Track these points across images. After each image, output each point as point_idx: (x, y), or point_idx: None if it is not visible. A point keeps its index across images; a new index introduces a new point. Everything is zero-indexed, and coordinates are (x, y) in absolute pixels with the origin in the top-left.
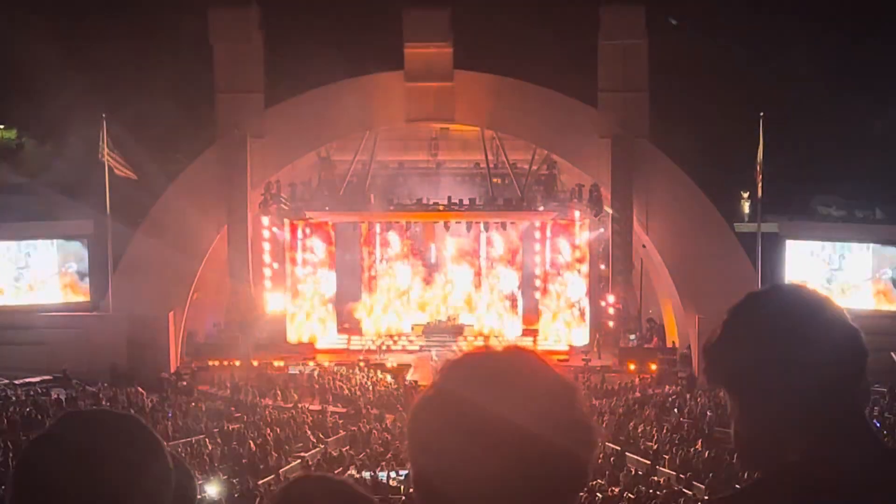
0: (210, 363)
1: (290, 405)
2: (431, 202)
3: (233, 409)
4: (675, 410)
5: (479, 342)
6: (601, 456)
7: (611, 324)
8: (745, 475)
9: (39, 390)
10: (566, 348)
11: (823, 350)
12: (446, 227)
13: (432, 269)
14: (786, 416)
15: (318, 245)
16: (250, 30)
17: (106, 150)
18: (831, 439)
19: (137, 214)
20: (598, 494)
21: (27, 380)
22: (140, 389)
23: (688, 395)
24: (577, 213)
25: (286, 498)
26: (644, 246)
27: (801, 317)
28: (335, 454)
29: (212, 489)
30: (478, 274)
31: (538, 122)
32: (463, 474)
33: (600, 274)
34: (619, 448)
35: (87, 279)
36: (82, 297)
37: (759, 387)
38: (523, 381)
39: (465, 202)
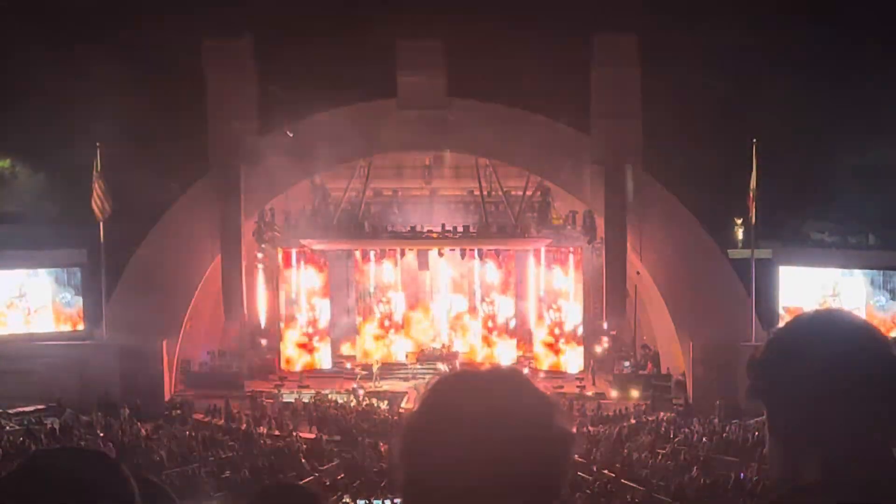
0: (204, 392)
1: (285, 433)
2: (425, 230)
3: (227, 437)
4: (671, 437)
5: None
6: (596, 483)
7: (605, 350)
8: (744, 501)
9: (33, 420)
10: (561, 375)
11: (853, 375)
12: (440, 254)
13: (426, 297)
14: (805, 435)
15: (312, 273)
16: (244, 59)
17: (95, 181)
18: (847, 464)
19: (131, 243)
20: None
21: (21, 409)
22: (131, 417)
23: (683, 422)
24: (571, 241)
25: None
26: (638, 272)
27: (837, 341)
28: (329, 482)
29: None
30: (472, 301)
31: (531, 150)
32: (449, 488)
33: (594, 301)
34: (614, 475)
35: (80, 308)
36: (76, 326)
37: (784, 402)
38: (505, 399)
39: (459, 230)
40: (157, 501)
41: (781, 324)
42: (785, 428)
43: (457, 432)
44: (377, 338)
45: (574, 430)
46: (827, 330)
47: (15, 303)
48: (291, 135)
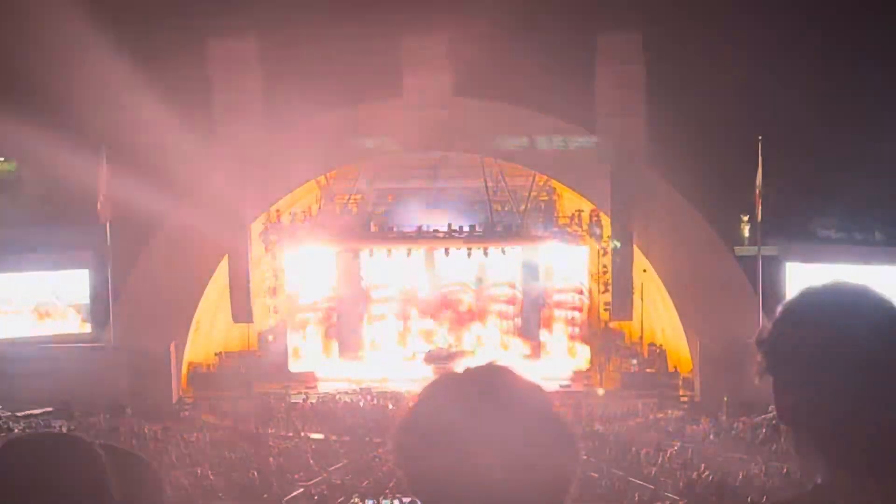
0: (212, 393)
1: (293, 434)
2: (431, 229)
3: (235, 438)
4: (679, 434)
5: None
6: (603, 482)
7: (612, 349)
8: (750, 499)
9: (41, 422)
10: (568, 374)
11: (866, 355)
12: (446, 253)
13: (433, 295)
14: (811, 423)
15: (319, 273)
16: (248, 59)
17: (100, 184)
18: (857, 464)
19: (138, 245)
20: None
21: (29, 412)
22: (139, 419)
23: (690, 420)
24: (577, 239)
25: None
26: (644, 270)
27: (852, 315)
28: (338, 482)
29: None
30: (479, 300)
31: (537, 148)
32: (449, 493)
33: (601, 299)
34: (622, 474)
35: (87, 310)
36: (83, 328)
37: (790, 384)
38: (500, 398)
39: (465, 229)
40: (132, 472)
41: (791, 296)
42: (791, 413)
43: (449, 437)
44: (385, 338)
45: (573, 425)
46: (842, 304)
47: (21, 306)
48: None
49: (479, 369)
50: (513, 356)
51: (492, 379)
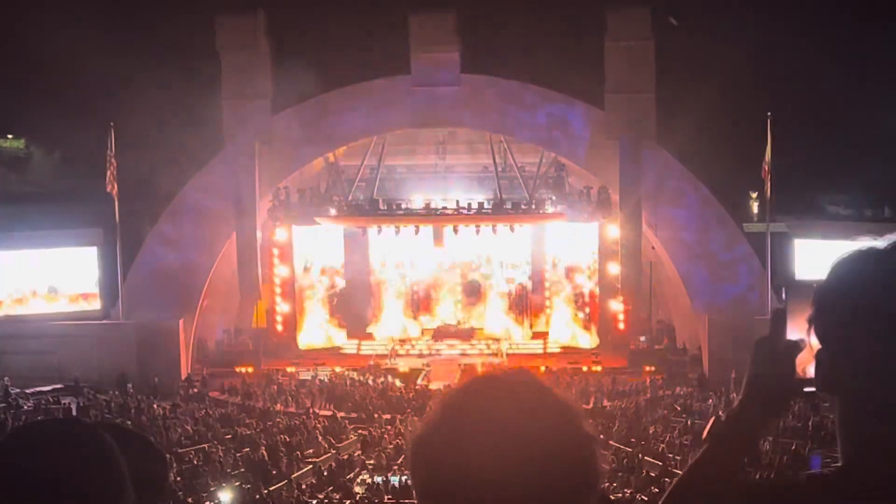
0: (221, 370)
1: (302, 411)
2: (440, 206)
3: (244, 415)
4: (687, 411)
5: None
6: (612, 458)
7: (621, 325)
8: (759, 476)
9: (51, 399)
10: (576, 350)
11: None
12: (455, 230)
13: (441, 273)
14: (849, 404)
15: (327, 251)
16: (257, 36)
17: (111, 160)
18: (878, 449)
19: (147, 222)
20: (610, 497)
21: (38, 389)
22: (148, 396)
23: (698, 396)
24: (585, 216)
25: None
26: (653, 247)
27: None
28: (347, 459)
29: (224, 496)
30: (487, 277)
31: (545, 125)
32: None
33: (610, 276)
34: (631, 450)
35: (97, 288)
36: (93, 305)
37: (832, 360)
38: (527, 407)
39: (474, 206)
40: (137, 452)
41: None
42: (840, 382)
43: (484, 439)
44: (393, 315)
45: (597, 448)
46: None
47: (31, 284)
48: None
49: (504, 376)
50: (520, 334)
51: (516, 388)
